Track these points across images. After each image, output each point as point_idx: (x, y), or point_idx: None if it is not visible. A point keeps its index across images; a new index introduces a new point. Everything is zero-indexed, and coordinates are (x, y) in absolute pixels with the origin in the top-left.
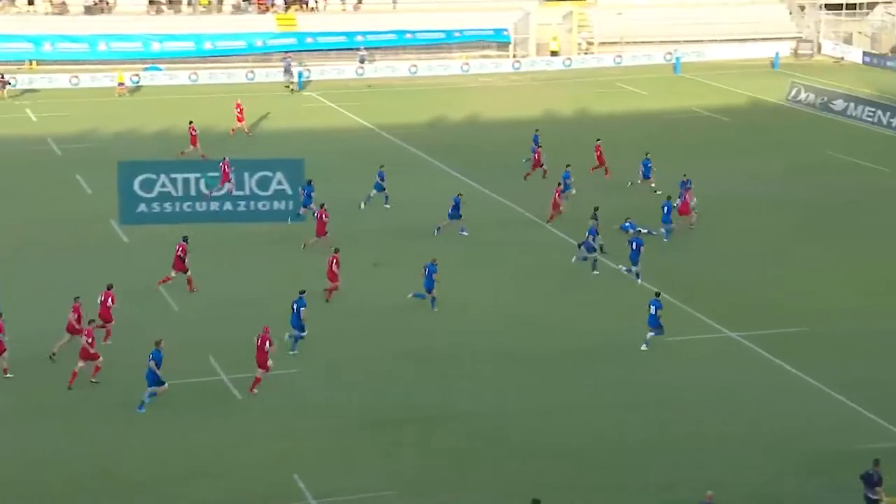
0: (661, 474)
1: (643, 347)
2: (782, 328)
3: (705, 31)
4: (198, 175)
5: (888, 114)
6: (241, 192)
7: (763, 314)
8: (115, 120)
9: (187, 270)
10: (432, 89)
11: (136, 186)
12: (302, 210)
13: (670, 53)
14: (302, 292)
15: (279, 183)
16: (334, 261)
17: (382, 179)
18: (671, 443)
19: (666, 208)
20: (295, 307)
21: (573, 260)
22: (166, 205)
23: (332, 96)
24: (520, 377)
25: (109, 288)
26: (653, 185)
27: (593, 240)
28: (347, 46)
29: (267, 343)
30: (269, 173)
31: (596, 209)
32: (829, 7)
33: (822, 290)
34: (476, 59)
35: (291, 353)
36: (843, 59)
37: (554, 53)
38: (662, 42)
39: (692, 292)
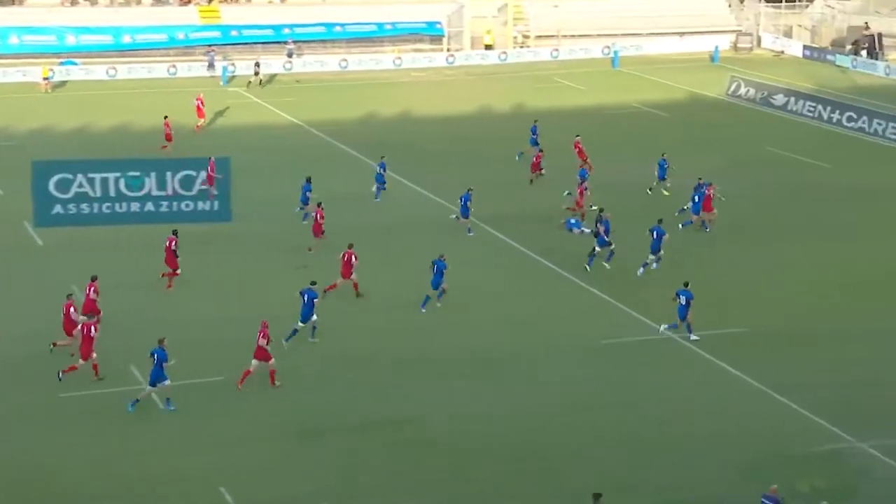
0: (597, 478)
1: (692, 337)
2: (724, 329)
3: (644, 24)
4: (117, 175)
5: (828, 108)
6: (163, 193)
7: (705, 315)
8: (28, 117)
9: (177, 268)
10: (363, 84)
11: (51, 187)
12: (299, 209)
13: (608, 47)
14: (313, 283)
15: (204, 182)
16: (350, 256)
17: (384, 170)
18: (608, 446)
19: (656, 233)
20: (306, 297)
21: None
22: (83, 206)
23: (258, 92)
24: (463, 381)
25: (94, 280)
26: (668, 185)
27: (605, 234)
28: (274, 40)
29: (263, 338)
30: (192, 172)
31: (601, 210)
32: (768, 0)
33: (764, 290)
34: (408, 52)
35: (311, 340)
36: (783, 52)
37: (488, 47)
38: (600, 35)
39: (632, 292)
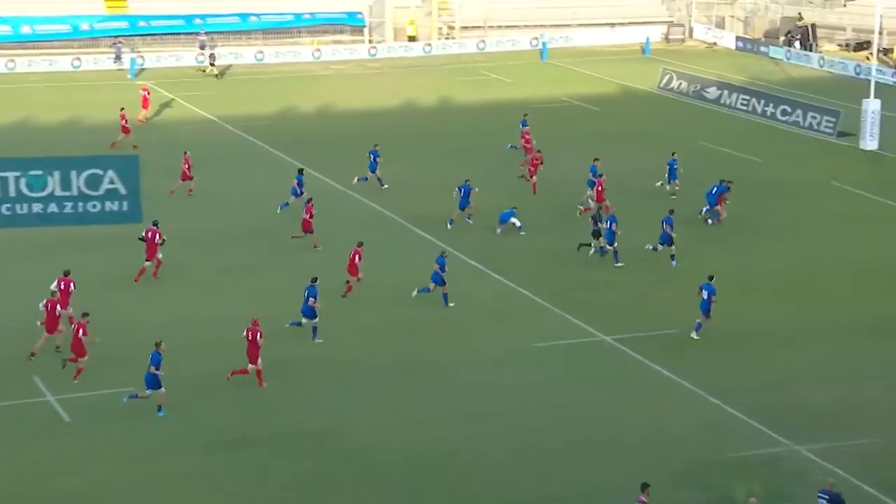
0: (522, 487)
1: (693, 336)
2: (655, 330)
3: (573, 15)
4: (17, 174)
5: (762, 101)
6: (67, 193)
7: (635, 316)
8: None
9: (157, 255)
10: (280, 78)
11: None
12: (292, 199)
13: (536, 39)
14: (314, 280)
15: (111, 182)
16: (357, 255)
17: (376, 158)
18: (538, 452)
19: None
20: (306, 294)
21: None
22: None
23: (168, 85)
24: (389, 387)
25: (66, 274)
26: (677, 188)
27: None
28: (186, 31)
29: (258, 335)
30: (99, 171)
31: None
32: None
33: (695, 289)
34: (328, 44)
35: (315, 340)
36: (715, 44)
37: (412, 39)
38: (528, 27)
39: (561, 293)
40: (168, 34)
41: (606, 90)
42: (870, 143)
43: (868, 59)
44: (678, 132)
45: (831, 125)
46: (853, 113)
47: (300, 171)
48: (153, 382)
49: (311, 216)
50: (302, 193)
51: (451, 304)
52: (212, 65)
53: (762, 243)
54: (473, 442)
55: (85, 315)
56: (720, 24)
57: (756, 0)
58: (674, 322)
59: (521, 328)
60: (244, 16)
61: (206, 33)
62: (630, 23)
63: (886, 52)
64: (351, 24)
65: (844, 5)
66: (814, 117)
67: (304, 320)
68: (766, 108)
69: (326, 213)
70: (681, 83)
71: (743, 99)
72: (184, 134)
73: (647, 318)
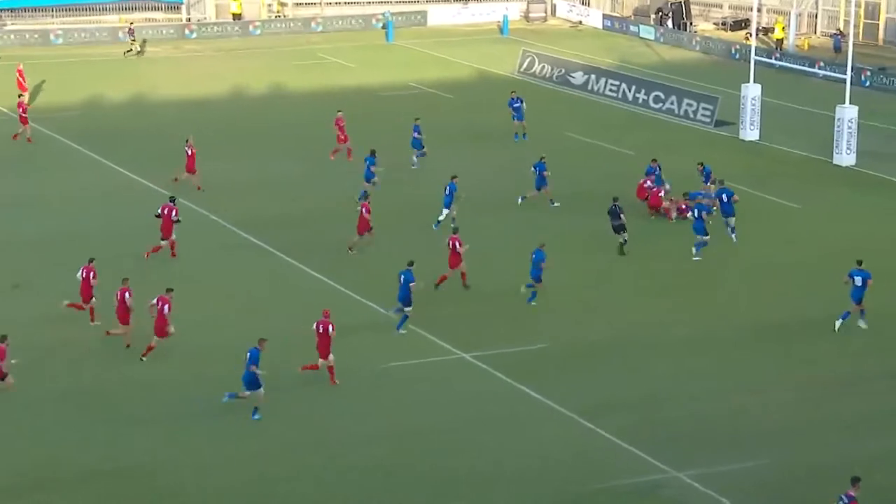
0: None
1: (861, 325)
2: (521, 346)
3: None
4: None
5: (633, 87)
6: None
7: (498, 330)
8: None
9: (172, 236)
10: (83, 62)
11: None
12: (367, 186)
13: (381, 17)
14: (410, 263)
15: None
16: (456, 242)
17: (420, 134)
18: (392, 486)
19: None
20: (402, 279)
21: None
22: None
23: None
24: (211, 421)
25: (91, 262)
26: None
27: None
28: None
29: (330, 328)
30: None
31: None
32: None
33: (563, 299)
34: (140, 24)
35: (399, 332)
36: (580, 23)
37: (236, 17)
38: (371, 3)
39: (418, 310)
40: None
41: (460, 74)
42: (750, 132)
43: (747, 39)
44: (541, 122)
45: (709, 113)
46: (732, 99)
47: (372, 153)
48: (253, 382)
49: (368, 214)
50: (372, 178)
51: (534, 304)
52: (132, 41)
53: (633, 248)
54: (317, 477)
55: (169, 290)
56: (585, 2)
57: None
58: (540, 336)
59: (369, 347)
60: None
61: None
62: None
63: (767, 31)
64: (166, 1)
65: None
66: (689, 104)
67: (399, 306)
68: (637, 95)
69: (147, 216)
70: (543, 67)
71: (612, 84)
72: None
73: (511, 331)
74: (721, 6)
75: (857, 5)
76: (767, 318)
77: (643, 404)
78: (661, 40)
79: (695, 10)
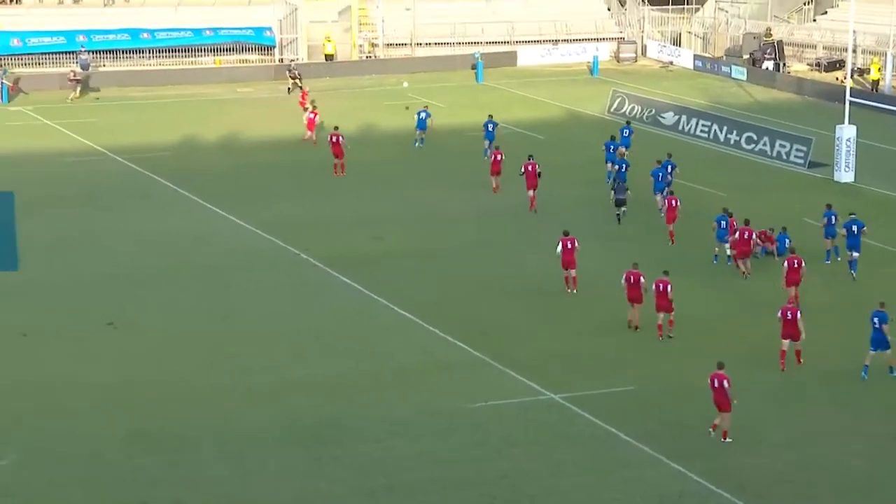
0: None
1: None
2: (610, 387)
3: (512, 30)
4: None
5: (725, 128)
6: None
7: (587, 369)
8: None
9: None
10: (177, 102)
11: None
12: (487, 144)
13: (471, 57)
14: (882, 304)
15: None
16: (568, 242)
17: (493, 129)
18: None
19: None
20: (876, 322)
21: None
22: None
23: (46, 111)
24: (268, 459)
25: (566, 234)
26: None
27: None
28: (66, 49)
29: (726, 382)
30: None
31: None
32: (653, 2)
33: (655, 338)
34: (233, 64)
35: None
36: (671, 63)
37: (329, 57)
38: (461, 44)
39: (489, 341)
40: (46, 53)
41: (551, 115)
42: (845, 174)
43: (841, 80)
44: (631, 163)
45: (802, 154)
46: (826, 140)
47: (490, 118)
48: (881, 342)
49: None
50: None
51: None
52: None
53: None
54: None
55: (665, 273)
56: (676, 42)
57: (716, 14)
58: (628, 376)
59: (453, 385)
60: (135, 32)
61: (87, 51)
62: (576, 40)
63: (862, 72)
64: (258, 42)
65: (815, 20)
66: (782, 146)
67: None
68: (729, 136)
69: (231, 250)
70: (633, 107)
71: (703, 125)
72: (64, 167)
73: (602, 370)
74: (815, 47)
75: None
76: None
77: (733, 447)
78: (754, 81)
79: (788, 50)
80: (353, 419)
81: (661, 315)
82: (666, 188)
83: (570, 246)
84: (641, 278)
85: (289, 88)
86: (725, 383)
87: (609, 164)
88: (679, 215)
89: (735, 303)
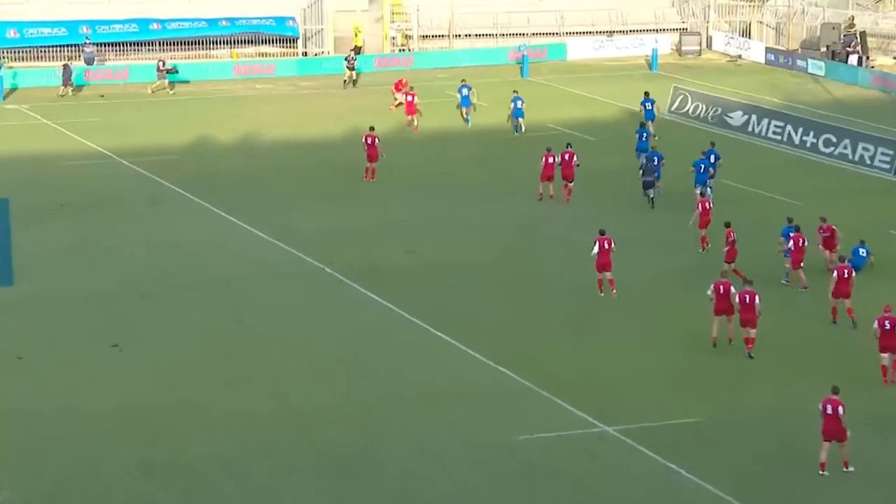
0: None
1: None
2: (673, 419)
3: (561, 21)
4: None
5: (800, 129)
6: None
7: (643, 399)
8: None
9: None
10: (190, 100)
11: None
12: (650, 125)
13: (516, 50)
14: None
15: None
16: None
17: (652, 106)
18: None
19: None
20: None
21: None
22: None
23: (45, 110)
24: (300, 493)
25: (602, 233)
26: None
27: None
28: (68, 42)
29: (840, 409)
30: None
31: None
32: None
33: (721, 366)
34: (251, 58)
35: None
36: (739, 57)
37: (358, 50)
38: (504, 35)
39: (532, 364)
40: (45, 46)
41: (604, 114)
42: None
43: None
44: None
45: (888, 159)
46: None
47: (646, 94)
48: None
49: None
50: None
51: None
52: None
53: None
54: None
55: (748, 282)
56: (745, 33)
57: (791, 3)
58: (697, 407)
59: (489, 414)
60: (144, 22)
61: (92, 44)
62: (633, 31)
63: None
64: (280, 33)
65: None
66: (866, 149)
67: None
68: (804, 138)
69: (246, 259)
70: (697, 105)
71: (776, 126)
72: (64, 171)
73: (654, 401)
74: None
75: None
76: None
77: (799, 484)
78: (833, 77)
79: (872, 42)
80: (383, 449)
81: (747, 329)
82: (708, 180)
83: (606, 246)
84: (732, 288)
85: (344, 81)
86: (840, 409)
87: (642, 157)
88: (711, 218)
89: (805, 319)
